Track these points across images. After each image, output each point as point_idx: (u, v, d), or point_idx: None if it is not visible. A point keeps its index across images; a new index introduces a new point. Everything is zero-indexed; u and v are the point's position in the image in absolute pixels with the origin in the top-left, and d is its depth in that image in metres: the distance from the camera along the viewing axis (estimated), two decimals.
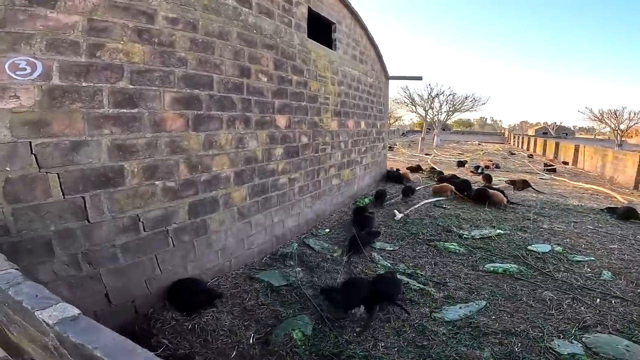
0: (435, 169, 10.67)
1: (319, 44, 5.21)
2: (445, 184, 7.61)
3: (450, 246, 4.69)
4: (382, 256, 4.42)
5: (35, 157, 2.09)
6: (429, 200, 7.09)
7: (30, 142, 2.06)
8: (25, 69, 1.98)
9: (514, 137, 36.01)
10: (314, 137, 5.32)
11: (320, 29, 5.51)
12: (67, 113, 2.21)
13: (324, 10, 5.30)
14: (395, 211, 6.24)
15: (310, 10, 4.89)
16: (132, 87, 2.58)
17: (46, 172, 2.14)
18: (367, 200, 7.24)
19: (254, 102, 3.91)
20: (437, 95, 29.69)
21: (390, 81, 9.49)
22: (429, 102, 29.95)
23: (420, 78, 9.39)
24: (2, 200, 1.96)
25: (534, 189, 7.83)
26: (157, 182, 2.85)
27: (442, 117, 30.71)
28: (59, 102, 2.16)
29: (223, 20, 3.37)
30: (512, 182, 8.25)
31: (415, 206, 6.67)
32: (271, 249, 4.49)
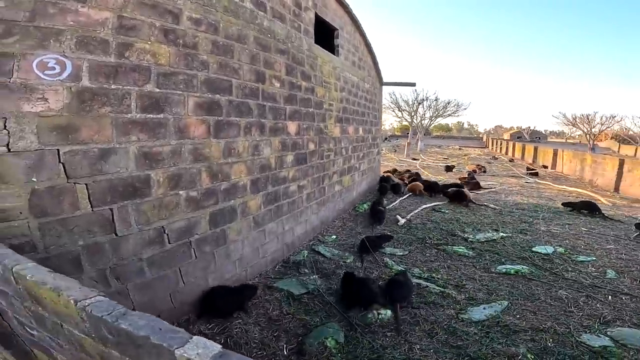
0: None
1: (324, 49, 5.20)
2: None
3: (459, 249, 4.75)
4: (394, 261, 4.41)
5: (64, 166, 1.90)
6: (427, 205, 7.19)
7: (58, 150, 1.87)
8: (54, 69, 1.81)
9: (492, 142, 37.29)
10: (320, 144, 5.27)
11: (322, 35, 5.50)
12: (96, 118, 2.04)
13: (328, 16, 5.30)
14: (398, 217, 6.27)
15: (316, 16, 4.87)
16: (158, 90, 2.43)
17: (74, 183, 1.95)
18: (365, 206, 7.24)
19: (268, 108, 3.82)
20: (423, 100, 30.37)
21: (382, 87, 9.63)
22: (415, 107, 30.55)
23: (413, 84, 9.60)
24: (28, 214, 1.76)
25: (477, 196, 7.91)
26: (181, 192, 2.69)
27: (426, 122, 31.42)
28: (88, 105, 1.99)
29: (241, 23, 3.27)
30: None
31: (415, 211, 6.75)
32: (282, 257, 4.37)
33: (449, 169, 12.85)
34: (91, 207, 2.04)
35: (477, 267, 4.22)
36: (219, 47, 3.00)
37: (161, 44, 2.42)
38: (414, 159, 17.56)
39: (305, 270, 4.07)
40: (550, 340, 2.74)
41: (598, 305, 3.32)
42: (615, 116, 34.16)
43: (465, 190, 7.86)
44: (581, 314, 3.16)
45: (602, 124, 34.59)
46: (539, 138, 49.16)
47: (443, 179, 10.70)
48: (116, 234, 2.19)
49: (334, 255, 4.57)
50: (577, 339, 2.75)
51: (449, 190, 7.83)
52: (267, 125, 3.81)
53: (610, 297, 3.48)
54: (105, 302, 0.94)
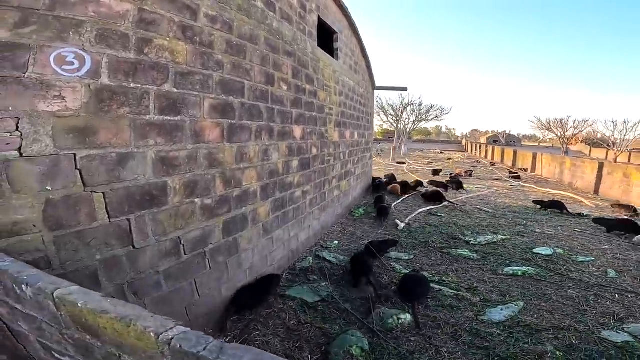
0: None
1: (325, 52, 5.13)
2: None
3: (463, 252, 4.77)
4: (401, 265, 4.37)
5: (80, 173, 1.70)
6: (423, 209, 7.23)
7: (74, 155, 1.68)
8: (72, 64, 1.62)
9: (471, 146, 38.25)
10: (322, 149, 5.18)
11: (322, 38, 5.44)
12: (115, 119, 1.85)
13: (329, 19, 5.25)
14: (397, 221, 6.25)
15: (319, 19, 4.81)
16: (176, 91, 2.26)
17: (91, 192, 1.75)
18: (361, 210, 7.20)
19: (277, 112, 3.69)
20: (408, 105, 30.81)
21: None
22: (400, 111, 30.93)
23: (405, 89, 9.70)
24: (42, 227, 1.56)
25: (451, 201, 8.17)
26: (196, 200, 2.51)
27: (409, 126, 31.93)
28: (106, 105, 1.80)
29: (253, 23, 3.14)
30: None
31: (412, 215, 6.76)
32: (288, 264, 4.23)
33: (436, 172, 13.08)
34: (108, 217, 1.84)
35: (485, 269, 4.25)
36: (233, 46, 2.86)
37: (179, 41, 2.26)
38: (401, 163, 17.79)
39: (314, 277, 3.96)
40: (573, 337, 2.79)
41: (608, 303, 3.40)
42: (587, 120, 35.96)
43: (441, 191, 8.52)
44: (594, 312, 3.23)
45: (575, 128, 36.35)
46: (514, 142, 51.38)
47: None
48: (134, 246, 2.00)
49: (340, 261, 4.47)
50: (598, 335, 2.82)
51: (427, 192, 8.48)
52: (276, 130, 3.68)
53: (617, 295, 3.57)
54: (190, 333, 0.80)
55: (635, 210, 7.16)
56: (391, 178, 10.47)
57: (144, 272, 2.08)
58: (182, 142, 2.34)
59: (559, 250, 4.85)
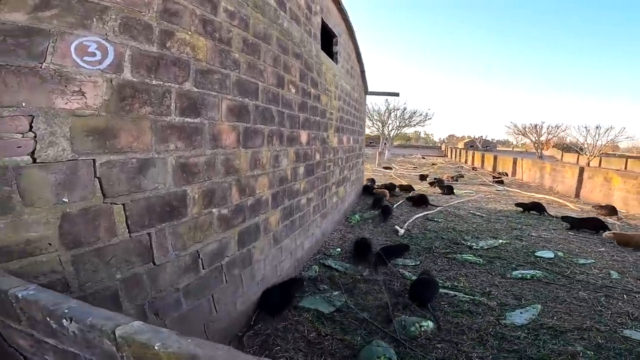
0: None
1: (327, 55, 5.03)
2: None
3: (468, 257, 4.75)
4: (409, 272, 4.28)
5: (100, 182, 1.47)
6: (419, 215, 7.22)
7: (94, 161, 1.45)
8: (94, 55, 1.40)
9: (451, 151, 39.22)
10: (323, 154, 5.05)
11: (323, 41, 5.33)
12: (136, 120, 1.63)
13: (331, 22, 5.16)
14: (397, 227, 6.19)
15: (322, 22, 4.70)
16: (196, 90, 2.06)
17: (111, 203, 1.52)
18: (357, 216, 7.09)
19: (286, 116, 3.53)
20: (393, 110, 31.16)
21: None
22: (386, 116, 31.25)
23: (397, 94, 9.75)
24: (58, 245, 1.32)
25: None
26: (214, 210, 2.30)
27: (393, 132, 32.31)
28: (128, 104, 1.58)
29: (267, 22, 2.98)
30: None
31: (410, 220, 6.73)
32: (294, 273, 4.04)
33: (422, 178, 13.25)
34: (129, 232, 1.61)
35: (493, 273, 4.23)
36: (249, 45, 2.69)
37: (200, 36, 2.07)
38: (387, 168, 17.91)
39: (324, 286, 3.80)
40: (598, 337, 2.81)
41: (620, 303, 3.46)
42: (560, 126, 37.86)
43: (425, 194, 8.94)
44: (609, 312, 3.28)
45: (548, 133, 38.18)
46: (489, 147, 53.31)
47: (423, 187, 10.97)
48: (154, 263, 1.77)
49: (347, 269, 4.33)
50: (621, 334, 2.85)
51: (414, 195, 8.76)
52: (285, 134, 3.52)
53: (625, 295, 3.64)
54: None
55: (615, 211, 7.47)
56: (372, 182, 10.60)
57: (165, 290, 1.85)
58: (201, 147, 2.13)
59: (560, 253, 4.93)
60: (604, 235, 5.84)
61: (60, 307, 0.88)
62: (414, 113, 32.48)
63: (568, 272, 4.25)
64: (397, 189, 10.00)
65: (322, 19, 4.66)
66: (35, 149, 1.25)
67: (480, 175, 15.56)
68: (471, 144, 50.60)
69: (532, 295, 3.60)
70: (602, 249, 5.18)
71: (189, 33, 1.97)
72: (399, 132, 33.87)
